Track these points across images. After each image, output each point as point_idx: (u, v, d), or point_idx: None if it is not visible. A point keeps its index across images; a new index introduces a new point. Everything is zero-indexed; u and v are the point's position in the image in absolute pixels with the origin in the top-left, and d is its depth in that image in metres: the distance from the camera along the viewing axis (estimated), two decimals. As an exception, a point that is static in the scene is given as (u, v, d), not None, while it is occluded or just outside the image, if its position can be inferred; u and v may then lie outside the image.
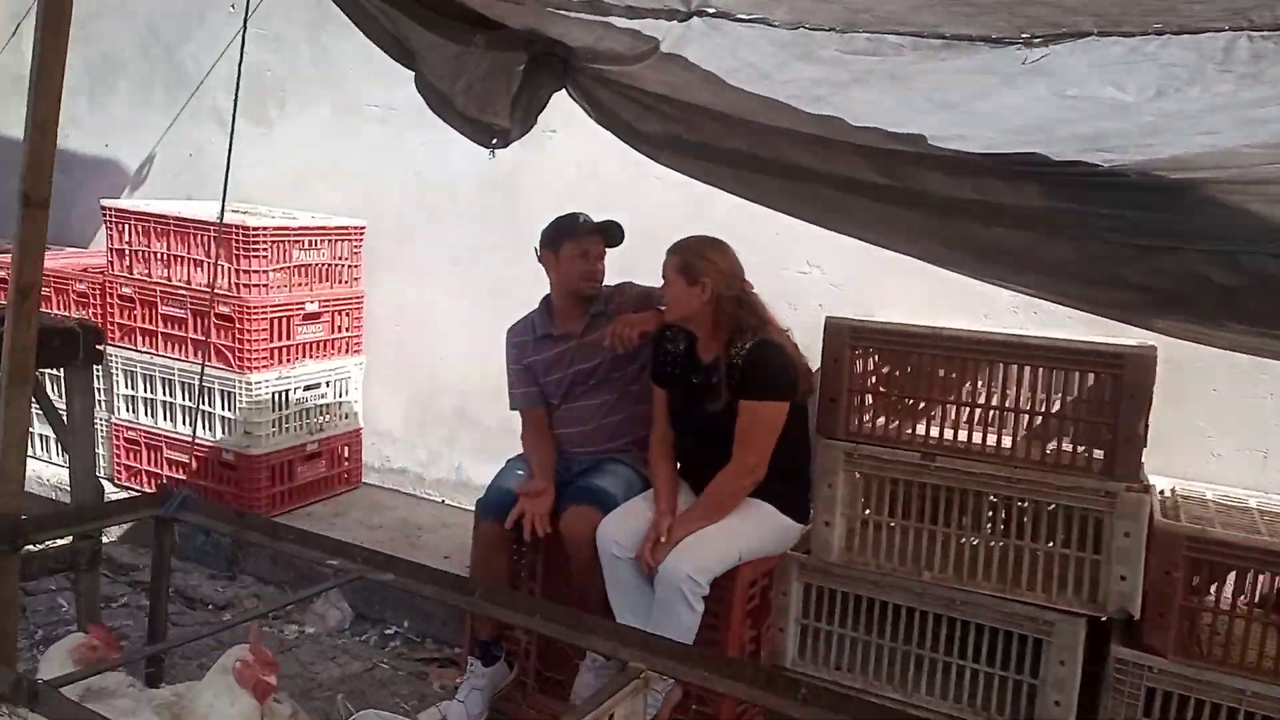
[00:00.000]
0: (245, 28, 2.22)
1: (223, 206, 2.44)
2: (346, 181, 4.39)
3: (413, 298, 4.30)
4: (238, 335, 3.82)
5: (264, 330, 3.85)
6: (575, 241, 2.90)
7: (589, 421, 2.91)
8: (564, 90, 2.59)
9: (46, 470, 4.26)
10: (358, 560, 1.79)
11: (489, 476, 4.26)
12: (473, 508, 4.29)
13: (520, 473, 2.85)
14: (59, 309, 4.25)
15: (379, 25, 2.59)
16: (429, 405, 4.33)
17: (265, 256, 3.80)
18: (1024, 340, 2.69)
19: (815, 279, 3.45)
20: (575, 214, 2.97)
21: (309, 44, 4.40)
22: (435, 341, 4.27)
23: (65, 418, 2.70)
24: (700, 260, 2.61)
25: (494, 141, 3.15)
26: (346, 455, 4.32)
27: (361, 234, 4.25)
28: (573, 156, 3.87)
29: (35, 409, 3.23)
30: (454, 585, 1.73)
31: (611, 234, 2.93)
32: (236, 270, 3.79)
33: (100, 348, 2.71)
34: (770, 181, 2.46)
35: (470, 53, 2.61)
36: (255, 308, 3.81)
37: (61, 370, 2.70)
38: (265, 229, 3.80)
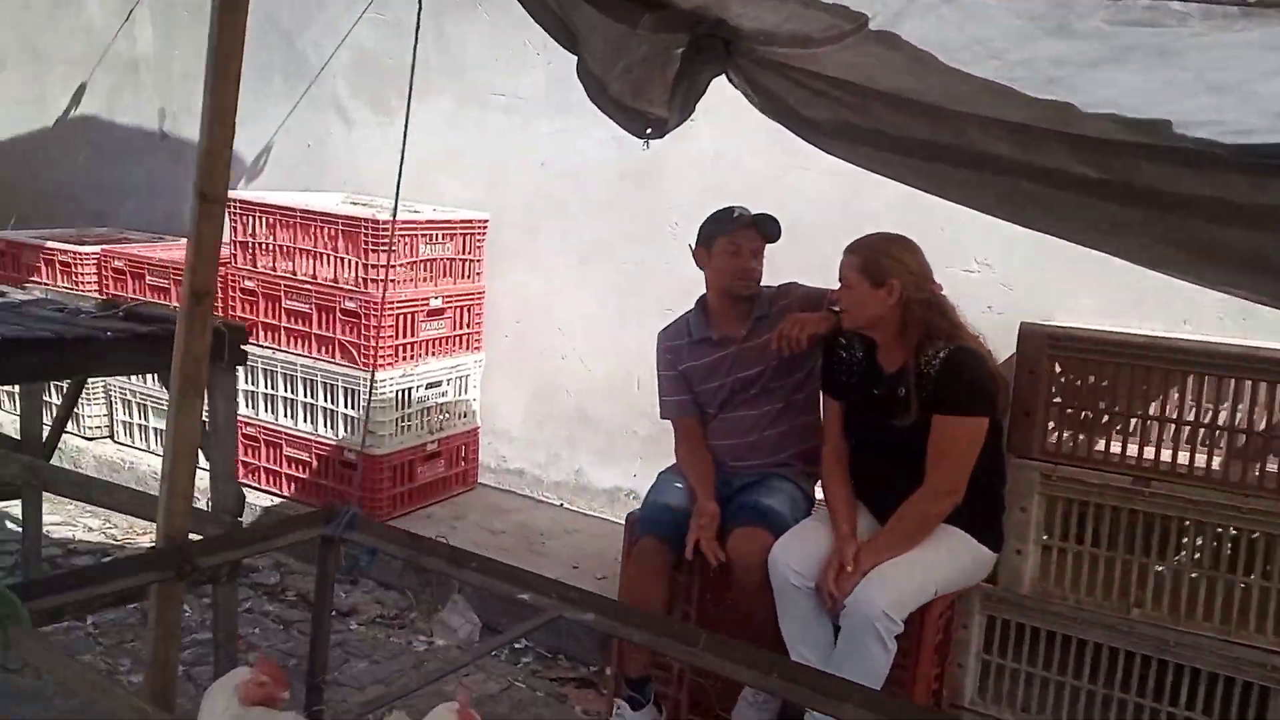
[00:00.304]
0: (421, 14, 2.04)
1: (395, 203, 2.28)
2: (468, 172, 4.23)
3: (536, 292, 4.13)
4: (363, 332, 3.69)
5: (390, 327, 3.71)
6: (728, 237, 2.67)
7: (750, 433, 2.69)
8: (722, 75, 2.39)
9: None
10: (552, 596, 1.60)
11: (610, 480, 4.10)
12: (593, 512, 4.16)
13: (679, 486, 2.64)
14: (179, 300, 4.17)
15: (543, 2, 2.39)
16: (549, 405, 4.16)
17: (393, 252, 3.66)
18: (1260, 353, 2.39)
19: (984, 278, 3.18)
20: (730, 208, 2.75)
21: (432, 31, 4.25)
22: (558, 338, 4.10)
23: (206, 420, 2.58)
24: (887, 259, 2.37)
25: (649, 131, 2.95)
26: (464, 455, 4.18)
27: (485, 227, 4.10)
28: (714, 146, 3.65)
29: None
30: (669, 631, 1.53)
31: (763, 226, 2.68)
32: (364, 265, 3.66)
33: (244, 348, 2.59)
34: (955, 173, 2.21)
35: (631, 35, 2.42)
36: (384, 305, 3.67)
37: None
38: (395, 223, 3.65)
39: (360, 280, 3.69)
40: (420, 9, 2.08)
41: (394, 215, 2.39)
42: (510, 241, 4.14)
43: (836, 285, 2.84)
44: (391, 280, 3.70)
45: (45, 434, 3.07)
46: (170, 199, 5.28)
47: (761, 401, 2.69)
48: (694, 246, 2.78)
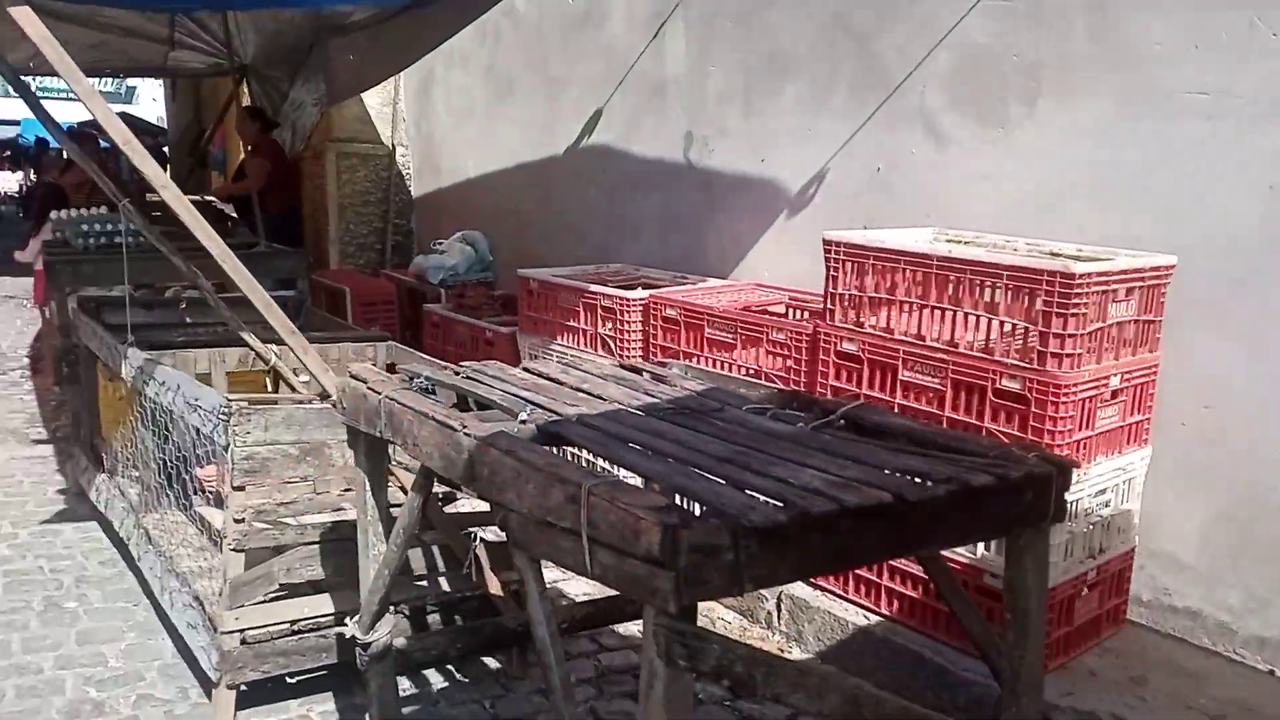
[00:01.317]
0: None
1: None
2: (1130, 201, 3.15)
3: (1239, 367, 2.94)
4: (1034, 423, 2.73)
5: (1072, 417, 2.72)
6: None
7: None
8: None
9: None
10: None
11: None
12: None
13: None
14: (750, 358, 3.51)
15: None
16: (1254, 527, 2.95)
17: (1082, 315, 2.67)
18: None
19: None
20: None
21: (1087, 14, 3.21)
22: (1276, 434, 2.88)
23: (1010, 593, 1.71)
24: None
25: None
26: (1119, 585, 3.09)
27: (1169, 277, 2.99)
28: None
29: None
30: None
31: None
32: (1042, 333, 2.70)
33: (1066, 495, 1.69)
34: None
35: None
36: (1064, 386, 2.69)
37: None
38: (1090, 275, 2.66)
39: (1034, 354, 2.73)
40: None
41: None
42: (1199, 295, 2.99)
43: None
44: (1075, 353, 2.70)
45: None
46: (691, 234, 4.72)
47: None
48: None
